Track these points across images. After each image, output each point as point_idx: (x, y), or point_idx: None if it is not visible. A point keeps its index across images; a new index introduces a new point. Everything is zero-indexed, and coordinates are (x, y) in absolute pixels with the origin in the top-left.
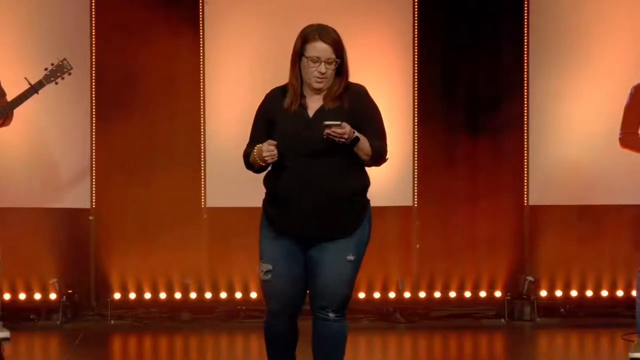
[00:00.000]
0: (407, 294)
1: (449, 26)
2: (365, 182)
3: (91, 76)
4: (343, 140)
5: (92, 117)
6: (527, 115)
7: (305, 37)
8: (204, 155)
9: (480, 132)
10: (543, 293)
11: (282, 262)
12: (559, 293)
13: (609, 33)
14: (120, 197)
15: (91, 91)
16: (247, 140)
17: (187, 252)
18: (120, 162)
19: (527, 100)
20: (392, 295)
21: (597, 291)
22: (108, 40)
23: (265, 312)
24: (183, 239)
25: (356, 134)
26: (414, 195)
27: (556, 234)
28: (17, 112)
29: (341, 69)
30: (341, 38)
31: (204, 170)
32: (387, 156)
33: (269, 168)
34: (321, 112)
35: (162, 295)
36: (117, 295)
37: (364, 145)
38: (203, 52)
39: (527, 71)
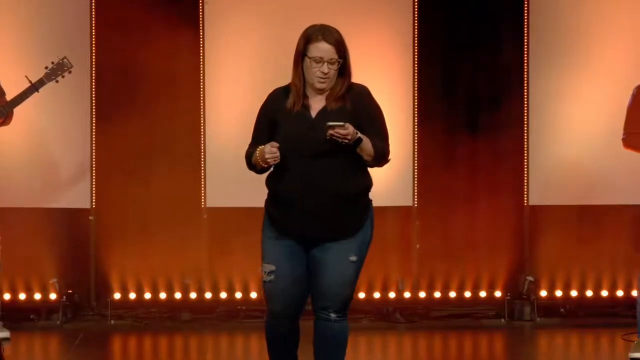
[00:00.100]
0: (407, 294)
1: (449, 26)
2: (368, 183)
3: (91, 76)
4: (346, 141)
5: (92, 117)
6: (527, 115)
7: (308, 37)
8: (204, 155)
9: (480, 132)
10: (543, 293)
11: (285, 263)
12: (559, 293)
13: (609, 33)
14: (120, 197)
15: (91, 91)
16: (247, 140)
17: (187, 252)
18: (120, 162)
19: (527, 100)
20: (392, 295)
21: (597, 291)
22: (108, 40)
23: (266, 313)
24: (183, 239)
25: (359, 134)
26: (414, 195)
27: (556, 234)
28: (17, 112)
29: (344, 70)
30: (344, 38)
31: (204, 170)
32: (390, 157)
33: (272, 169)
34: (324, 113)
35: (162, 295)
36: (117, 295)
37: (367, 146)
38: (203, 52)
39: (527, 71)
